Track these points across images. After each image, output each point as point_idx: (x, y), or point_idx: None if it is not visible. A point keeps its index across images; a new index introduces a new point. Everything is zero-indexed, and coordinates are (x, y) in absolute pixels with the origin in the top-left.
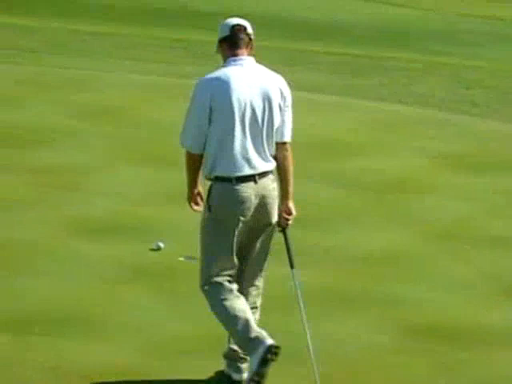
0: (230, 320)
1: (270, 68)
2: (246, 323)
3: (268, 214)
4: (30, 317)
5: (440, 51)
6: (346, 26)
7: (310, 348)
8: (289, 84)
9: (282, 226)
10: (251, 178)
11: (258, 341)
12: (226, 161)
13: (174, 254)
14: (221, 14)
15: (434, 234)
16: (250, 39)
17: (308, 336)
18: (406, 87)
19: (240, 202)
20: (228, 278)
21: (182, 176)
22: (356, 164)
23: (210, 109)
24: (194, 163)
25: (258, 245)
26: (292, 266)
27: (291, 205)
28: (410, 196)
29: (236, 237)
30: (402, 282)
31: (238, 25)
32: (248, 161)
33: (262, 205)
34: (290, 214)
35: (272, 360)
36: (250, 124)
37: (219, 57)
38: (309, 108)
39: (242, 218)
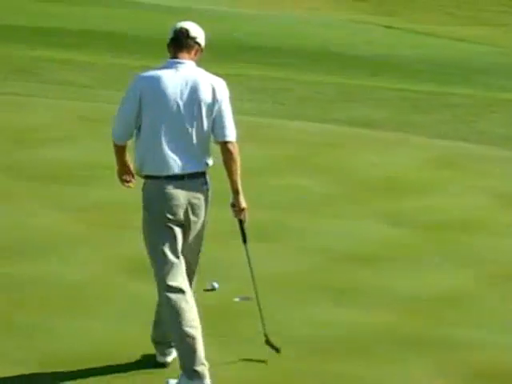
0: (180, 338)
1: (327, 105)
2: (194, 349)
3: (196, 216)
4: (80, 358)
5: (504, 87)
6: (405, 61)
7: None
8: (347, 121)
9: (237, 217)
10: (180, 177)
11: (197, 375)
12: (153, 160)
13: (229, 295)
14: (282, 49)
15: (497, 276)
16: (197, 43)
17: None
18: (469, 124)
19: (168, 199)
20: (181, 282)
21: None
22: (417, 203)
23: (140, 105)
24: (121, 153)
25: (188, 245)
26: (244, 241)
27: (240, 199)
28: (473, 236)
29: (172, 233)
30: (464, 324)
31: (181, 28)
32: (175, 161)
33: (191, 206)
34: (239, 208)
35: None
36: (178, 125)
37: (267, 90)
38: (368, 145)
39: (171, 217)
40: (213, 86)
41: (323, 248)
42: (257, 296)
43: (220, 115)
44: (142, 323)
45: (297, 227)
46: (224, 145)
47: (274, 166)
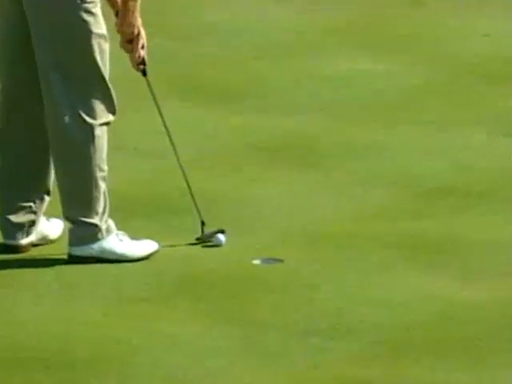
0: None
1: None
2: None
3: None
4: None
5: None
6: None
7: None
8: None
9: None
10: None
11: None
12: None
13: (244, 254)
14: None
15: None
16: None
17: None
18: None
19: None
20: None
21: (267, 122)
22: None
23: None
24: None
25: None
26: (144, 74)
27: (123, 43)
28: None
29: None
30: None
31: None
32: None
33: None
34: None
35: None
36: None
37: None
38: (475, 3)
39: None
40: None
41: (404, 177)
42: (185, 178)
43: None
44: (108, 301)
45: (360, 144)
46: None
47: (325, 39)
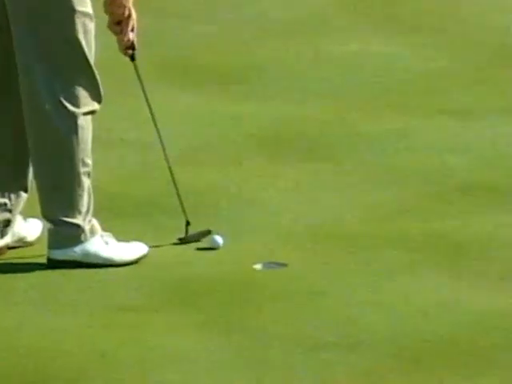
0: None
1: None
2: None
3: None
4: None
5: None
6: None
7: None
8: None
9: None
10: None
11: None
12: None
13: (244, 258)
14: None
15: None
16: None
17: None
18: None
19: None
20: None
21: (270, 110)
22: None
23: None
24: None
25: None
26: (133, 59)
27: (111, 24)
28: None
29: None
30: None
31: None
32: None
33: None
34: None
35: None
36: None
37: None
38: None
39: None
40: None
41: (423, 172)
42: (170, 169)
43: None
44: (93, 312)
45: (374, 134)
46: None
47: (335, 16)
